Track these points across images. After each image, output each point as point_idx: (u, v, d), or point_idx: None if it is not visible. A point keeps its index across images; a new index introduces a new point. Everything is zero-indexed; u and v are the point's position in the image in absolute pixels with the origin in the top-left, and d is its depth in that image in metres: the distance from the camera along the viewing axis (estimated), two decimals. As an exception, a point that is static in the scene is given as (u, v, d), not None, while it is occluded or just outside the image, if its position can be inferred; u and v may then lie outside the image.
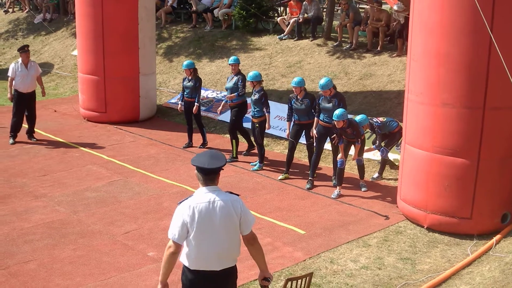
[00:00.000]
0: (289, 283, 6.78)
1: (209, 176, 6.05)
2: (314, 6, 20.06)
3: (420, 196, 10.55)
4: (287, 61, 19.25)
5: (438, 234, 10.43)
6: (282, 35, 20.66)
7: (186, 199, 6.05)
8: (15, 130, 15.30)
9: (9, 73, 15.07)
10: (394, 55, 17.66)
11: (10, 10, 30.43)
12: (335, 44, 19.28)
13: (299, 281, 6.89)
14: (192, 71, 14.77)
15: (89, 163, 13.91)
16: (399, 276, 9.08)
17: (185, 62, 15.01)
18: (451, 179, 10.17)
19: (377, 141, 12.87)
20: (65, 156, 14.38)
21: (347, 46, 18.91)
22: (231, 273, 6.18)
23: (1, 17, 30.15)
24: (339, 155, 12.19)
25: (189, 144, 15.15)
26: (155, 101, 18.00)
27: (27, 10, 29.48)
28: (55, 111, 18.53)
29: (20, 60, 15.13)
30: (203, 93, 18.51)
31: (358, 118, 12.62)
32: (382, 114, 15.09)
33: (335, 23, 20.14)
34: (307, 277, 7.00)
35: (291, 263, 9.44)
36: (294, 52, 19.60)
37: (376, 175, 13.14)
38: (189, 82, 14.76)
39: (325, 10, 21.27)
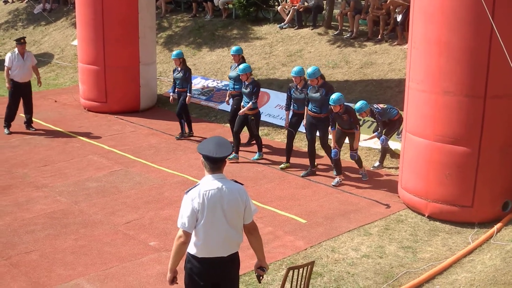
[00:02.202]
0: (291, 272, 6.80)
1: (216, 164, 6.09)
2: (314, -6, 20.03)
3: (421, 184, 10.55)
4: (287, 50, 19.21)
5: (439, 223, 10.43)
6: (283, 24, 20.62)
7: (194, 187, 6.09)
8: (9, 120, 15.33)
9: (6, 63, 15.11)
10: (394, 43, 17.62)
11: (10, 0, 30.35)
12: (336, 32, 19.24)
13: (301, 270, 6.90)
14: (182, 61, 14.68)
15: (89, 153, 13.91)
16: (400, 265, 9.10)
17: (174, 52, 14.88)
18: (452, 167, 10.17)
19: (379, 128, 12.79)
20: (65, 147, 14.38)
21: (348, 35, 18.86)
22: (235, 258, 6.29)
23: (1, 8, 30.06)
24: (332, 145, 12.11)
25: (183, 135, 15.07)
26: (155, 90, 17.99)
27: (26, 0, 29.42)
28: (56, 101, 18.52)
29: (16, 50, 15.20)
30: (204, 82, 18.53)
31: (358, 104, 12.57)
32: (383, 102, 15.05)
33: (336, 11, 20.09)
34: (309, 266, 7.01)
35: (292, 252, 9.46)
36: (294, 41, 19.56)
37: (377, 163, 13.09)
38: (179, 73, 14.68)
39: (325, -2, 21.24)
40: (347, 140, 12.36)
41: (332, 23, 19.89)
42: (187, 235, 6.01)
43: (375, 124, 13.33)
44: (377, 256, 9.34)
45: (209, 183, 6.06)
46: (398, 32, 17.56)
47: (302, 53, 18.77)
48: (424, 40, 10.17)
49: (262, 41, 20.24)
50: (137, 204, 11.22)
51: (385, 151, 13.13)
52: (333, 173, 12.46)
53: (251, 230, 6.27)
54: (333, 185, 12.07)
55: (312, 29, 19.89)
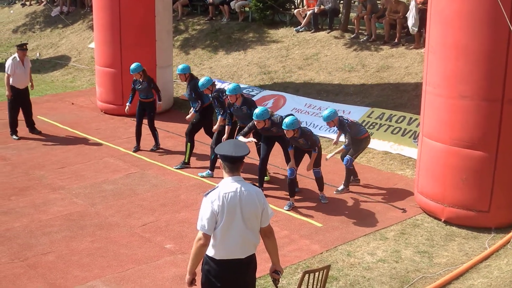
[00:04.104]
0: (307, 275, 6.79)
1: (235, 164, 6.14)
2: (331, -3, 20.01)
3: (437, 189, 10.51)
4: (304, 54, 19.21)
5: (456, 227, 10.38)
6: (299, 27, 20.60)
7: (213, 190, 6.13)
8: (14, 126, 15.31)
9: (8, 71, 14.92)
10: (411, 47, 17.57)
11: (27, 3, 30.55)
12: (352, 36, 19.22)
13: (317, 273, 6.90)
14: (142, 73, 14.11)
15: (106, 156, 13.97)
16: (416, 269, 9.07)
17: (132, 66, 14.12)
18: (468, 172, 10.12)
19: (346, 141, 11.98)
20: (82, 149, 14.45)
21: (364, 38, 18.83)
22: (252, 260, 6.33)
23: (19, 10, 30.29)
24: (290, 163, 11.48)
25: (138, 148, 14.49)
26: (172, 93, 18.02)
27: (44, 3, 29.60)
28: (73, 103, 18.61)
29: (17, 57, 15.03)
30: (220, 85, 18.51)
31: (326, 112, 11.70)
32: (399, 106, 15.06)
33: (352, 15, 20.07)
34: (325, 270, 7.01)
35: (308, 256, 9.46)
36: (311, 44, 19.55)
37: (341, 187, 12.09)
38: (140, 84, 14.14)
39: (342, 2, 21.19)
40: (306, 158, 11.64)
41: (348, 26, 19.87)
42: (206, 238, 6.03)
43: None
44: (393, 261, 9.31)
45: (228, 185, 6.09)
46: (415, 36, 17.48)
47: (319, 57, 18.76)
48: (441, 43, 10.14)
49: (279, 44, 20.24)
50: (153, 207, 11.25)
51: (349, 172, 12.07)
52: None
53: (268, 233, 6.30)
54: (285, 209, 11.27)
55: (328, 33, 19.86)
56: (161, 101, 14.44)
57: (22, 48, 15.12)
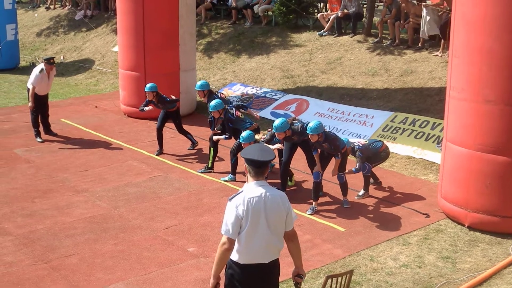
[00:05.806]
0: (329, 280, 6.77)
1: (260, 168, 6.10)
2: (354, 2, 19.95)
3: (461, 194, 10.44)
4: (327, 58, 19.18)
5: (479, 233, 10.31)
6: (322, 31, 20.59)
7: (237, 194, 6.11)
8: (37, 126, 15.42)
9: (34, 82, 14.97)
10: (437, 51, 17.46)
11: (52, 7, 30.81)
12: (376, 40, 19.16)
13: (339, 278, 6.88)
14: (156, 94, 14.25)
15: (129, 159, 14.03)
16: (439, 275, 9.01)
17: (148, 85, 14.36)
18: (492, 177, 10.04)
19: (357, 164, 11.77)
20: (105, 152, 14.52)
21: (388, 43, 18.76)
22: (276, 265, 6.32)
23: (43, 14, 30.54)
24: (316, 167, 11.45)
25: (161, 151, 14.53)
26: (195, 97, 18.04)
27: (68, 6, 29.82)
28: (96, 106, 18.72)
29: (44, 69, 15.04)
30: (243, 89, 18.56)
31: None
32: (423, 111, 14.99)
33: (376, 19, 20.01)
34: (348, 275, 6.98)
35: (330, 260, 9.43)
36: (334, 49, 19.52)
37: (361, 192, 12.04)
38: (157, 105, 14.36)
39: (365, 6, 21.16)
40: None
41: (371, 30, 19.81)
42: (231, 242, 6.02)
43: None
44: (416, 266, 9.27)
45: (253, 190, 6.06)
46: (446, 43, 17.35)
47: (342, 61, 18.73)
48: (465, 48, 10.08)
49: (302, 48, 20.24)
50: (176, 210, 11.28)
51: (368, 178, 12.05)
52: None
53: (291, 237, 6.28)
54: (308, 214, 11.25)
55: (351, 37, 19.84)
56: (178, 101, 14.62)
57: (49, 62, 15.15)
